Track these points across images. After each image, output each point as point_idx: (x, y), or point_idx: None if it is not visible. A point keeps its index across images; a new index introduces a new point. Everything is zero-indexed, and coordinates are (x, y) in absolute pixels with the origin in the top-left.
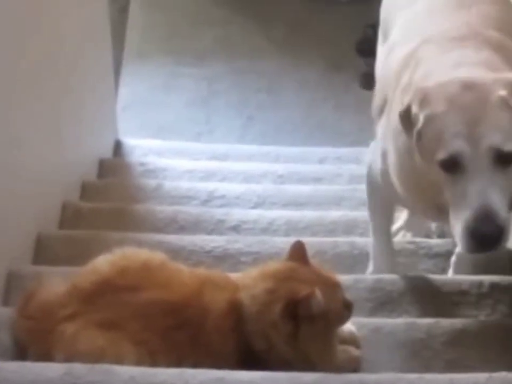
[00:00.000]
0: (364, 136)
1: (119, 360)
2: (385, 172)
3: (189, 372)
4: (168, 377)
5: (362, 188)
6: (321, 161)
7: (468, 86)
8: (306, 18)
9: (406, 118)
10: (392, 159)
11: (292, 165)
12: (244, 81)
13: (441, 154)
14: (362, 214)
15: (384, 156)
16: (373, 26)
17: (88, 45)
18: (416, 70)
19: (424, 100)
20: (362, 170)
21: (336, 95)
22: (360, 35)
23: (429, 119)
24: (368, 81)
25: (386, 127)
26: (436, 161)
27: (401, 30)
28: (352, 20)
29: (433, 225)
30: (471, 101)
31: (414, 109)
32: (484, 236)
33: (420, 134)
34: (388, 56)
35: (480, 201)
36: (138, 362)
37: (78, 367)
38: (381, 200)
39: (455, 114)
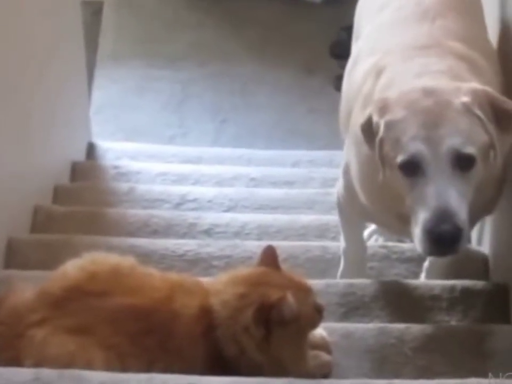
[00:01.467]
0: (337, 139)
1: (88, 366)
2: (348, 185)
3: (159, 377)
4: (138, 383)
5: (335, 191)
6: (294, 164)
7: (429, 92)
8: (280, 21)
9: (368, 128)
10: (354, 170)
11: (264, 168)
12: (217, 85)
13: (401, 157)
14: (334, 218)
15: (346, 168)
16: (347, 29)
17: (61, 48)
18: (377, 80)
19: (384, 108)
20: (335, 173)
21: (310, 98)
22: (334, 38)
23: (388, 125)
24: (342, 83)
25: (348, 139)
26: (396, 165)
27: (365, 41)
28: (326, 23)
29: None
30: (431, 105)
31: (375, 118)
32: (441, 236)
33: (381, 142)
34: (352, 69)
35: (438, 202)
36: (108, 368)
37: (48, 373)
38: (350, 214)
39: (414, 117)
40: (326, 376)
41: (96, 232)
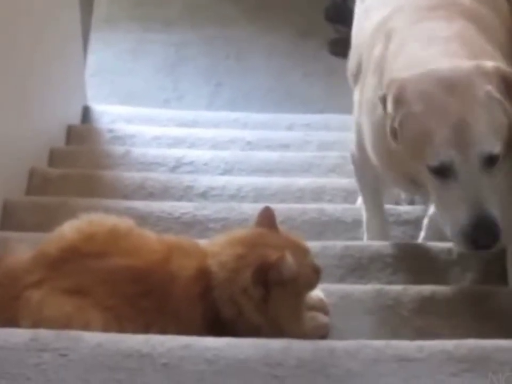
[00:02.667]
0: (333, 103)
1: (85, 327)
2: (360, 144)
3: (156, 338)
4: (135, 344)
5: (331, 154)
6: (290, 128)
7: (446, 83)
8: None
9: (384, 105)
10: (366, 132)
11: (260, 131)
12: (212, 48)
13: (431, 161)
14: (331, 180)
15: (358, 127)
16: None
17: (56, 12)
18: (387, 44)
19: (399, 99)
20: (331, 137)
21: (305, 61)
22: (329, 1)
23: (409, 119)
24: (337, 47)
25: (360, 100)
26: (425, 165)
27: None
28: None
29: (403, 193)
30: (454, 102)
31: (389, 106)
32: (483, 244)
33: (398, 129)
34: (363, 20)
35: (478, 211)
36: (105, 329)
37: (45, 333)
38: (366, 173)
39: (440, 117)
40: (323, 337)
41: (92, 195)
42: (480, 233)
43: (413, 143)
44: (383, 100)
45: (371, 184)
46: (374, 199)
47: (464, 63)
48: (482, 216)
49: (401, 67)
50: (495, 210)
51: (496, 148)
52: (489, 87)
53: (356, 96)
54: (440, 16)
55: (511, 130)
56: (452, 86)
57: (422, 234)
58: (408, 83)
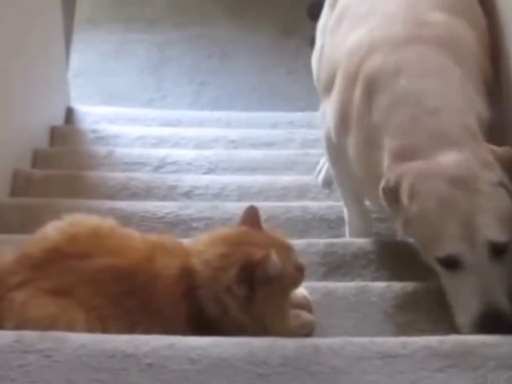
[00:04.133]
0: (315, 100)
1: (70, 327)
2: (335, 160)
3: (140, 338)
4: (120, 344)
5: (315, 152)
6: (273, 126)
7: (455, 182)
8: None
9: (391, 194)
10: (352, 150)
11: (243, 130)
12: (195, 47)
13: (439, 253)
14: (315, 178)
15: (329, 141)
16: None
17: (39, 13)
18: (370, 99)
19: (414, 193)
20: (314, 134)
21: (288, 60)
22: None
23: (420, 215)
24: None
25: (345, 142)
26: (434, 257)
27: (351, 1)
28: None
29: None
30: (461, 196)
31: (404, 201)
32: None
33: (410, 222)
34: (336, 27)
35: (488, 302)
36: (90, 329)
37: (29, 335)
38: (345, 180)
39: (448, 213)
40: (307, 335)
41: (76, 196)
42: (492, 326)
43: (424, 236)
44: (393, 193)
45: (348, 188)
46: (354, 198)
47: (464, 154)
48: (493, 309)
49: (394, 150)
50: (506, 299)
51: (503, 236)
52: (493, 177)
53: (328, 108)
54: (415, 56)
55: None
56: (458, 181)
57: None
58: (419, 180)
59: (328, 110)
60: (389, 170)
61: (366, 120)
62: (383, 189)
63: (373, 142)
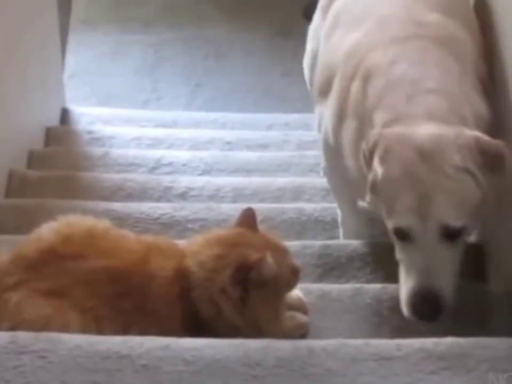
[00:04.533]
0: (312, 102)
1: (64, 328)
2: (332, 163)
3: (135, 340)
4: (114, 345)
5: (310, 154)
6: (269, 127)
7: (422, 154)
8: None
9: (369, 155)
10: (352, 172)
11: (239, 131)
12: (191, 48)
13: (393, 223)
14: (310, 180)
15: (327, 144)
16: None
17: (34, 14)
18: (366, 87)
19: (384, 159)
20: (310, 136)
21: (284, 61)
22: (307, 0)
23: (385, 180)
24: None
25: (340, 136)
26: (389, 225)
27: (347, 5)
28: None
29: None
30: (425, 172)
31: (375, 162)
32: (422, 314)
33: (377, 186)
34: (331, 33)
35: (423, 279)
36: (84, 330)
37: (23, 336)
38: (339, 183)
39: (409, 185)
40: (302, 336)
41: (71, 197)
42: (422, 303)
43: (384, 203)
44: (370, 153)
45: (344, 191)
46: (348, 200)
47: (445, 131)
48: (426, 287)
49: (383, 120)
50: (444, 283)
51: (457, 221)
52: (460, 160)
53: (326, 115)
54: (413, 50)
55: (485, 201)
56: (427, 155)
57: None
58: (393, 145)
59: (325, 112)
60: (371, 134)
61: (360, 107)
62: (363, 150)
63: (366, 127)
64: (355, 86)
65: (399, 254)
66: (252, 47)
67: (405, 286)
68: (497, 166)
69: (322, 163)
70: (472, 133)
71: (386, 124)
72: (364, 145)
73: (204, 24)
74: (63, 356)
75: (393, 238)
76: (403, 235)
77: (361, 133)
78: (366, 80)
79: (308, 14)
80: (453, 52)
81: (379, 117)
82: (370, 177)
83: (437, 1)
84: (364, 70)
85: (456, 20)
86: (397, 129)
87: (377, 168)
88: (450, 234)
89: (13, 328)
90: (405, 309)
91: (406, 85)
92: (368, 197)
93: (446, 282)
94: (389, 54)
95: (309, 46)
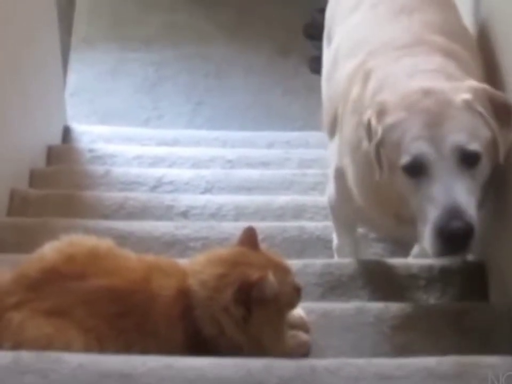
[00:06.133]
0: (312, 120)
1: (66, 348)
2: (341, 190)
3: (136, 358)
4: (116, 364)
5: (312, 172)
6: (270, 145)
7: (428, 92)
8: (254, 3)
9: (367, 132)
10: (351, 173)
11: (240, 149)
12: (191, 67)
13: (404, 159)
14: (311, 198)
15: (338, 173)
16: (321, 10)
17: (36, 32)
18: (366, 83)
19: (382, 111)
20: (311, 154)
21: (285, 79)
22: (308, 19)
23: (388, 129)
24: (317, 65)
25: (341, 145)
26: (399, 167)
27: (342, 41)
28: (300, 4)
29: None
30: (431, 104)
31: (373, 122)
32: (452, 233)
33: (379, 146)
34: (333, 71)
35: (447, 199)
36: (86, 350)
37: (26, 355)
38: (344, 217)
39: (415, 118)
40: (304, 355)
41: (73, 215)
42: (451, 222)
43: (392, 151)
44: (368, 125)
45: (348, 223)
46: (348, 231)
47: (450, 83)
48: (453, 206)
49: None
50: (468, 205)
51: (470, 144)
52: (468, 97)
53: (334, 146)
54: (418, 52)
55: (495, 146)
56: (431, 94)
57: (416, 250)
58: (391, 99)
59: (334, 146)
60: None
61: (360, 102)
62: (363, 125)
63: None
64: (355, 89)
65: (413, 198)
66: (252, 65)
67: (429, 219)
68: (505, 117)
69: (329, 190)
70: (482, 84)
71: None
72: (363, 120)
73: (205, 42)
74: (65, 375)
75: (405, 179)
76: (417, 169)
77: (361, 128)
78: (366, 79)
79: (308, 33)
80: (456, 61)
81: (379, 98)
82: (373, 147)
83: (438, 27)
84: (363, 73)
85: (459, 44)
86: (386, 94)
87: (377, 128)
88: (467, 160)
89: (15, 347)
90: (432, 241)
91: (408, 68)
92: (378, 173)
93: (469, 204)
94: (393, 55)
95: (323, 90)
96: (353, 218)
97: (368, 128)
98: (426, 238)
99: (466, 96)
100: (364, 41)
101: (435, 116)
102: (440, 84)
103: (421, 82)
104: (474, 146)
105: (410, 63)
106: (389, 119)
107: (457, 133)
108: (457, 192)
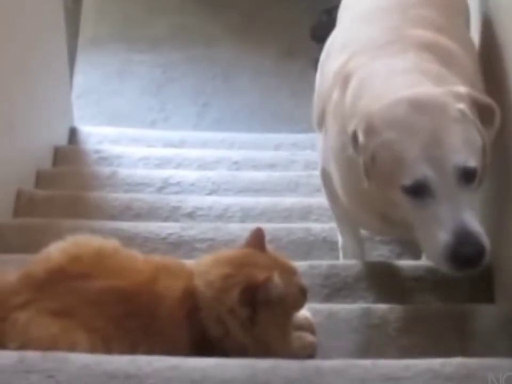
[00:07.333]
0: None
1: (72, 348)
2: (328, 189)
3: (142, 359)
4: (122, 364)
5: (318, 174)
6: (277, 147)
7: (416, 104)
8: (261, 4)
9: (354, 146)
10: (336, 177)
11: (247, 151)
12: (198, 69)
13: (406, 181)
14: (317, 200)
15: (324, 175)
16: (328, 12)
17: (43, 34)
18: (345, 88)
19: (370, 129)
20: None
21: (292, 81)
22: (314, 20)
23: (380, 148)
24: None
25: (325, 148)
26: (399, 186)
27: (339, 33)
28: (306, 6)
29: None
30: (425, 120)
31: (361, 139)
32: (468, 258)
33: (371, 163)
34: (324, 62)
35: (456, 222)
36: (92, 350)
37: (32, 355)
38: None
39: (411, 137)
40: (310, 356)
41: (79, 216)
42: (464, 247)
43: (387, 169)
44: (354, 137)
45: (345, 220)
46: (349, 227)
47: (434, 89)
48: (464, 230)
49: (364, 105)
50: (477, 225)
51: (471, 161)
52: (462, 106)
53: (320, 143)
54: (394, 51)
55: (485, 153)
56: (422, 106)
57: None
58: (377, 113)
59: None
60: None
61: (340, 108)
62: (348, 135)
63: (348, 126)
64: (335, 92)
65: (415, 217)
66: (259, 67)
67: (437, 241)
68: (489, 119)
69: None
70: (464, 88)
71: (367, 108)
72: (349, 132)
73: (212, 44)
74: (71, 375)
75: (406, 203)
76: (420, 191)
77: (344, 133)
78: (345, 83)
79: (315, 35)
80: (434, 54)
81: (361, 105)
82: (361, 160)
83: (429, 23)
84: (342, 77)
85: (451, 38)
86: (371, 107)
87: (365, 144)
88: (467, 177)
89: (21, 347)
90: (445, 263)
91: (382, 70)
92: (366, 183)
93: (476, 222)
94: (369, 55)
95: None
96: (344, 217)
97: (354, 140)
98: (435, 258)
99: (460, 105)
100: (354, 38)
101: (432, 134)
102: (423, 92)
103: (396, 86)
104: (472, 162)
105: (383, 64)
106: (380, 138)
107: (457, 152)
108: (464, 212)
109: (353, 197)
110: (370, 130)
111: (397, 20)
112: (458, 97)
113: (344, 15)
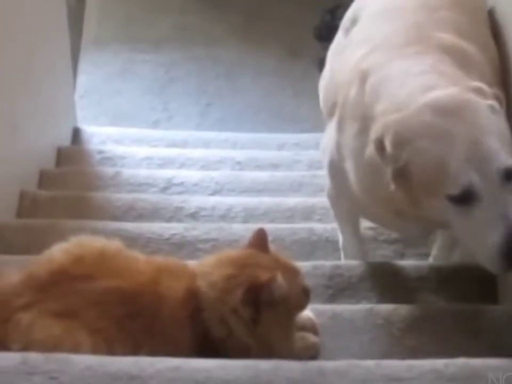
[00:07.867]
0: (322, 122)
1: (75, 349)
2: (338, 185)
3: (145, 360)
4: (124, 366)
5: (321, 173)
6: (280, 147)
7: (440, 109)
8: (264, 5)
9: (380, 145)
10: (353, 176)
11: (250, 151)
12: (201, 68)
13: (452, 190)
14: (320, 200)
15: (334, 168)
16: (331, 11)
17: (46, 34)
18: (362, 88)
19: (399, 139)
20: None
21: (295, 81)
22: (318, 20)
23: (415, 157)
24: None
25: (337, 142)
26: (443, 196)
27: (361, 25)
28: (309, 6)
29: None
30: (456, 123)
31: (389, 149)
32: None
33: (402, 172)
34: (344, 51)
35: (507, 223)
36: (95, 351)
37: (34, 356)
38: (345, 211)
39: (448, 143)
40: (313, 357)
41: (82, 217)
42: None
43: (426, 179)
44: (379, 146)
45: (348, 218)
46: (350, 225)
47: (449, 88)
48: None
49: (383, 110)
50: None
51: (509, 159)
52: (489, 101)
53: (331, 133)
54: (412, 53)
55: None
56: (450, 110)
57: (435, 252)
58: (402, 122)
59: (331, 130)
60: (376, 126)
61: (360, 107)
62: (374, 142)
63: (369, 125)
64: (353, 91)
65: (462, 223)
66: (262, 67)
67: (487, 243)
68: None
69: (327, 185)
70: (474, 83)
71: (387, 112)
72: (373, 137)
73: (215, 44)
74: (74, 376)
75: (450, 210)
76: (465, 198)
77: (364, 133)
78: (363, 81)
79: (318, 35)
80: (454, 57)
81: (378, 109)
82: (390, 167)
83: (451, 26)
84: (360, 73)
85: (472, 43)
86: (398, 115)
87: (395, 155)
88: (508, 176)
89: (24, 348)
90: (498, 263)
91: (398, 73)
92: (393, 187)
93: None
94: (387, 56)
95: (327, 66)
96: (354, 213)
97: (379, 149)
98: (488, 259)
99: (488, 101)
100: (376, 31)
101: (469, 137)
102: (438, 92)
103: (411, 88)
104: (510, 160)
105: (400, 66)
106: (413, 148)
107: (497, 152)
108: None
109: (370, 194)
110: (399, 140)
111: (422, 20)
112: (481, 92)
113: (365, 14)
